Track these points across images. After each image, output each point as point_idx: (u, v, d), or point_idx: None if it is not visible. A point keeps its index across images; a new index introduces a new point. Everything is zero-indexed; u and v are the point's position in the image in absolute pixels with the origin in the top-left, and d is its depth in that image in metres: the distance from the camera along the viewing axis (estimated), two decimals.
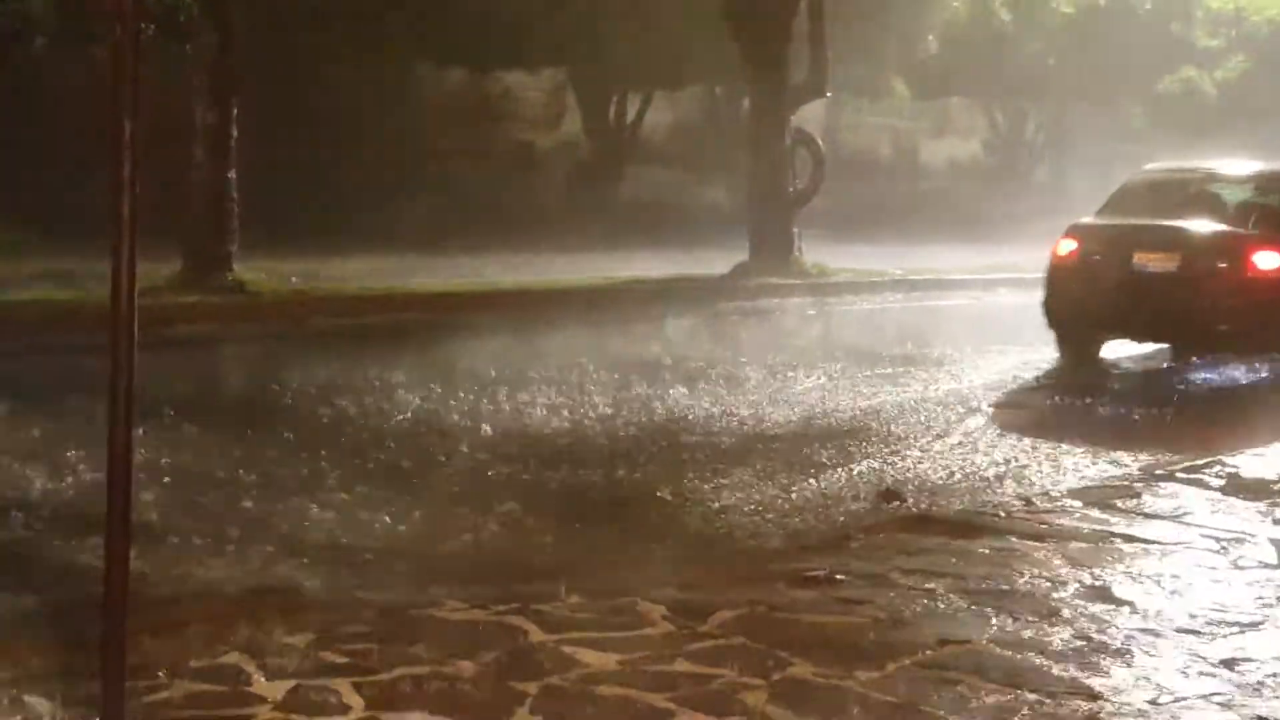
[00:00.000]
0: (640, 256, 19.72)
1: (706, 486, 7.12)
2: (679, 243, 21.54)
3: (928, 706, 3.90)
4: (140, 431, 3.86)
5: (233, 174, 14.30)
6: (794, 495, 6.97)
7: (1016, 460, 7.92)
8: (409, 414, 8.73)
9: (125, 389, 3.79)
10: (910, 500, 6.83)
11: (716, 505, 6.76)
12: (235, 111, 14.29)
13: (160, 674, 4.02)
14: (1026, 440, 8.50)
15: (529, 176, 27.48)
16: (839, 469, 7.58)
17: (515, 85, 28.89)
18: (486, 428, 8.39)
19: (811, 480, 7.29)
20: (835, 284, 18.67)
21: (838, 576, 5.14)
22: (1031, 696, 3.98)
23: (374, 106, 23.85)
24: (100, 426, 4.05)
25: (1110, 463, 7.92)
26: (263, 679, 4.06)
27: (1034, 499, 6.62)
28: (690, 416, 9.03)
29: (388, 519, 6.28)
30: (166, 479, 6.79)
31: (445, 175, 24.63)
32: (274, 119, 19.61)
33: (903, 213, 30.46)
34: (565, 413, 9.00)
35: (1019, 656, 4.31)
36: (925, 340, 13.12)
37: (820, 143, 21.72)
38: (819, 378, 10.69)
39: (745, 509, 6.68)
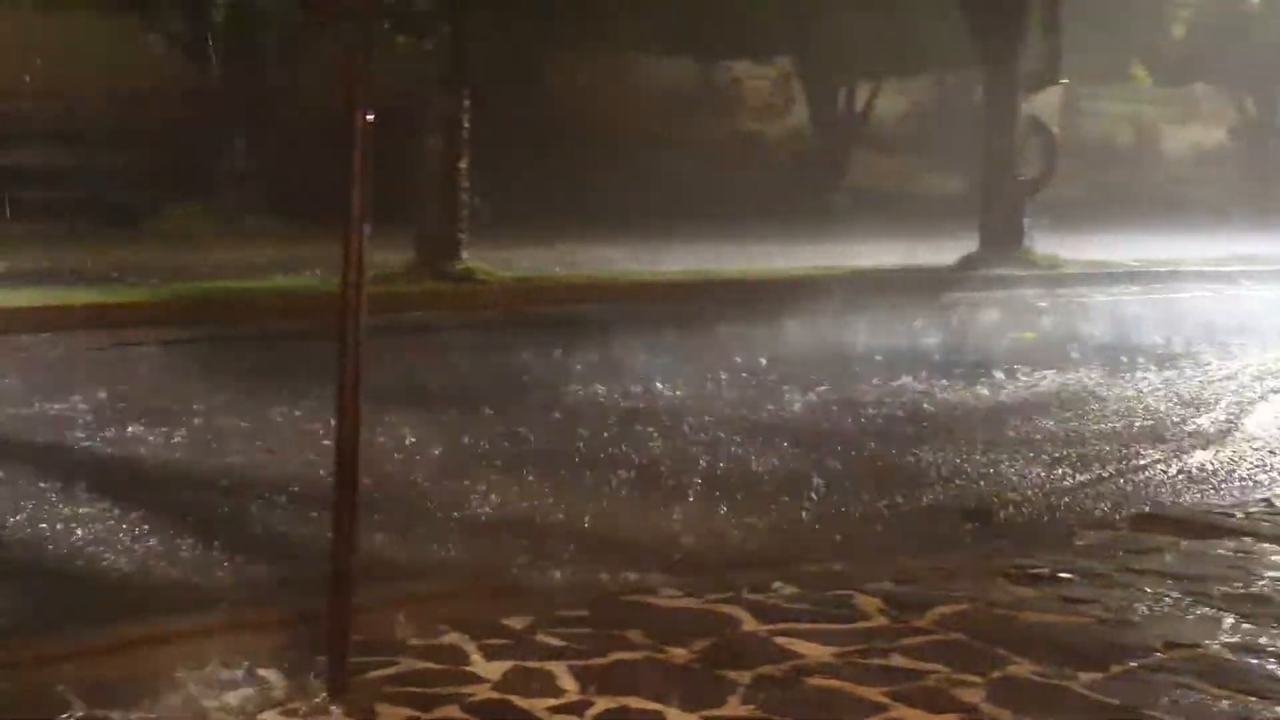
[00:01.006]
0: (866, 246, 19.51)
1: (929, 478, 7.01)
2: (906, 233, 21.27)
3: (1154, 711, 3.78)
4: (368, 414, 3.97)
5: (464, 163, 14.59)
6: (1022, 490, 6.82)
7: (1263, 460, 7.61)
8: (631, 401, 8.79)
9: (353, 373, 3.90)
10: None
11: (940, 498, 6.66)
12: (467, 102, 14.57)
13: (383, 651, 4.14)
14: (1276, 439, 8.17)
15: (754, 166, 27.45)
16: (1067, 464, 7.39)
17: (742, 74, 28.89)
18: (708, 415, 8.40)
19: (1040, 475, 7.13)
20: (1067, 275, 18.19)
21: (1061, 574, 5.02)
22: (1267, 706, 3.82)
23: (602, 96, 24.13)
24: (330, 409, 4.17)
25: None
26: (481, 659, 4.15)
27: (1277, 500, 6.36)
28: (917, 408, 8.90)
29: (606, 505, 6.34)
30: (393, 460, 6.97)
31: (670, 165, 24.76)
32: (504, 109, 19.96)
33: (1141, 202, 29.55)
34: (785, 401, 8.96)
35: (1254, 663, 4.15)
36: (1164, 334, 12.70)
37: (1054, 130, 21.19)
38: (1052, 371, 10.43)
39: (969, 502, 6.56)
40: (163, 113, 18.99)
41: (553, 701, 3.84)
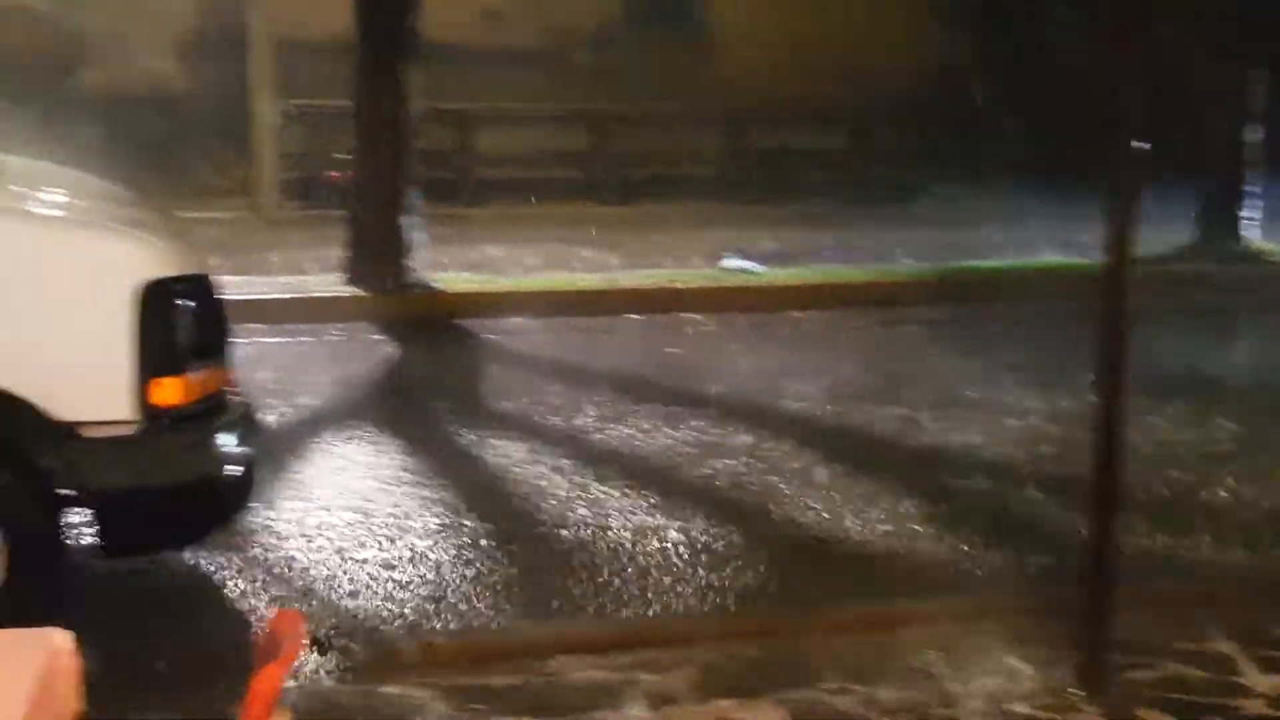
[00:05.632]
0: None
1: None
2: None
3: None
4: (1132, 401, 3.76)
5: (1249, 136, 13.69)
6: None
7: None
8: None
9: (1117, 357, 3.71)
10: None
11: None
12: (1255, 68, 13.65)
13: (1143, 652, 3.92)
14: None
15: None
16: None
17: None
18: None
19: None
20: None
21: None
22: None
23: None
24: (1092, 395, 3.98)
25: None
26: (1254, 670, 3.85)
27: None
28: None
29: None
30: (1155, 450, 6.55)
31: None
32: None
33: None
34: None
35: None
36: None
37: None
38: None
39: None
40: (938, 94, 19.25)
41: None
